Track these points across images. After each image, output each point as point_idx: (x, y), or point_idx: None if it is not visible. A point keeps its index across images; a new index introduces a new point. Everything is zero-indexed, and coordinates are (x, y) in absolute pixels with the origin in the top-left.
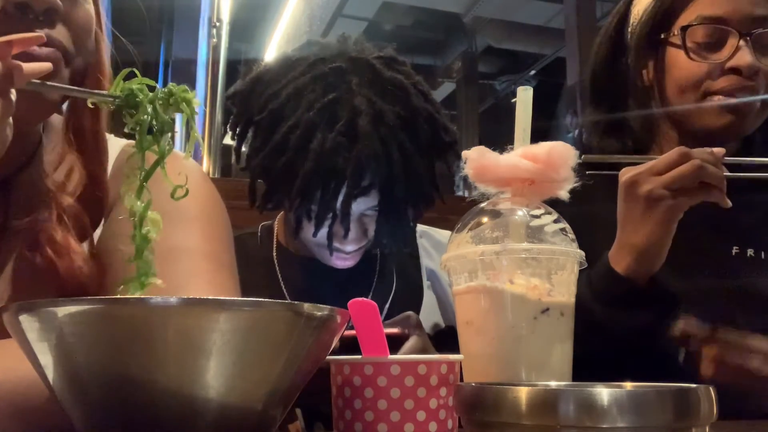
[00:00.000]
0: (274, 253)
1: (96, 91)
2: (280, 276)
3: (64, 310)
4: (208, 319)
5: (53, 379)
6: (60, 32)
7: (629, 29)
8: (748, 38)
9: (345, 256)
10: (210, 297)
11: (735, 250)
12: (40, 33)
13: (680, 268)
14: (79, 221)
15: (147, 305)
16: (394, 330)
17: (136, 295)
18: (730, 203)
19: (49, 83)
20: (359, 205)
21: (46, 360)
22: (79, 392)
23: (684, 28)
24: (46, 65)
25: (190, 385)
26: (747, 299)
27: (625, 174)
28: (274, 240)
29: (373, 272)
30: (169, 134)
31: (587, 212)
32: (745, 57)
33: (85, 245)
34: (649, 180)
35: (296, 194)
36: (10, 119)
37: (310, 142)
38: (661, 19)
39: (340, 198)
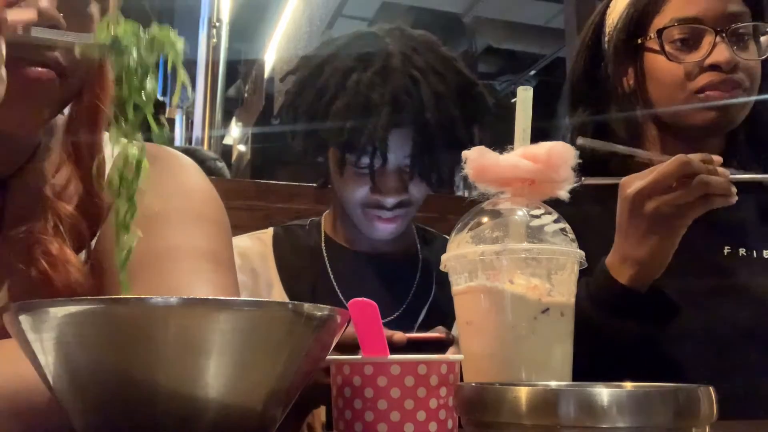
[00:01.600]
0: (323, 244)
1: (83, 34)
2: (328, 264)
3: (64, 310)
4: (208, 319)
5: (53, 379)
6: (60, 51)
7: (606, 38)
8: (724, 34)
9: (387, 215)
10: (210, 297)
11: (727, 249)
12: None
13: (672, 270)
14: (76, 230)
15: (147, 305)
16: (437, 334)
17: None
18: (735, 198)
19: (33, 34)
20: (396, 153)
21: (46, 360)
22: (79, 392)
23: (660, 31)
24: (31, 14)
25: (190, 385)
26: (741, 299)
27: (627, 187)
28: (322, 233)
29: (414, 272)
30: (154, 75)
31: (579, 213)
32: (723, 53)
33: (83, 255)
34: (654, 197)
35: (336, 131)
36: (2, 71)
37: (348, 80)
38: (636, 25)
39: (379, 130)
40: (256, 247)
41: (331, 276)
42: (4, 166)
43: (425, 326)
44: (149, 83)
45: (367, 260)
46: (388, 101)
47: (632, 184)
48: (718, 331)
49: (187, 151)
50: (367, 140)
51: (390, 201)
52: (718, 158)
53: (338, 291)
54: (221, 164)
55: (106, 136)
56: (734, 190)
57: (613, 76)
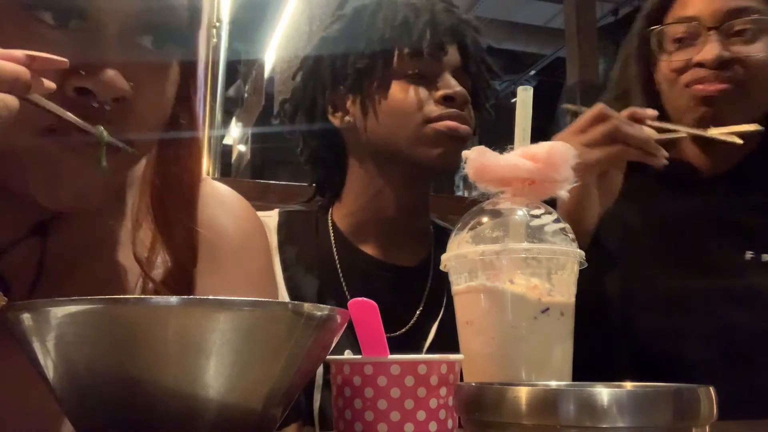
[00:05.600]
0: (333, 242)
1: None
2: (338, 267)
3: (64, 310)
4: (208, 319)
5: (53, 379)
6: (128, 124)
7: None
8: (716, 30)
9: (456, 113)
10: (209, 297)
11: (749, 255)
12: (100, 127)
13: (694, 274)
14: None
15: (147, 305)
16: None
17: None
18: (661, 163)
19: (41, 102)
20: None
21: (46, 360)
22: (79, 392)
23: (652, 30)
24: (51, 85)
25: (190, 385)
26: (762, 303)
27: (555, 138)
28: (330, 226)
29: (424, 285)
30: None
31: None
32: (710, 50)
33: None
34: (569, 139)
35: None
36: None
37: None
38: (653, 22)
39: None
40: None
41: (343, 283)
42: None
43: (435, 347)
44: None
45: (381, 269)
46: (425, 16)
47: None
48: (736, 335)
49: None
50: (422, 29)
51: (461, 95)
52: (652, 112)
53: (348, 296)
54: None
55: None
56: (664, 153)
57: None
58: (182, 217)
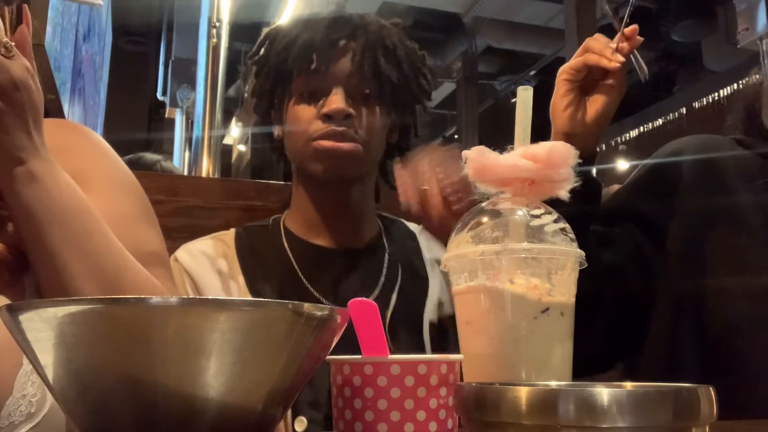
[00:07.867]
0: (285, 242)
1: None
2: (294, 262)
3: (64, 310)
4: (208, 319)
5: (53, 379)
6: None
7: None
8: None
9: (338, 130)
10: (209, 297)
11: None
12: None
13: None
14: None
15: (147, 305)
16: None
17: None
18: (614, 66)
19: None
20: (338, 73)
21: (46, 360)
22: (80, 392)
23: None
24: None
25: (190, 385)
26: None
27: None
28: (282, 230)
29: (381, 264)
30: None
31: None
32: None
33: None
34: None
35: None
36: None
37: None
38: None
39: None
40: (219, 247)
41: (300, 274)
42: None
43: (396, 318)
44: None
45: (333, 254)
46: (329, 25)
47: None
48: None
49: (133, 159)
50: (308, 52)
51: (337, 112)
52: (630, 29)
53: (309, 287)
54: (168, 164)
55: None
56: (619, 58)
57: None
58: None
